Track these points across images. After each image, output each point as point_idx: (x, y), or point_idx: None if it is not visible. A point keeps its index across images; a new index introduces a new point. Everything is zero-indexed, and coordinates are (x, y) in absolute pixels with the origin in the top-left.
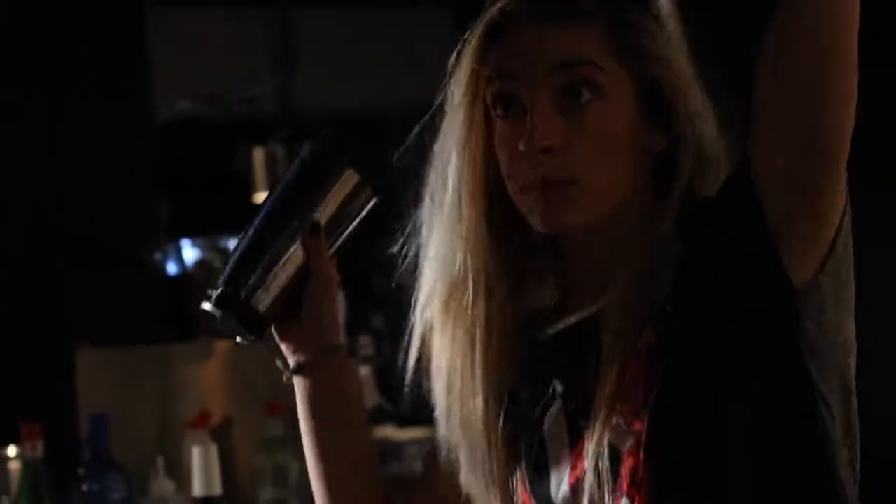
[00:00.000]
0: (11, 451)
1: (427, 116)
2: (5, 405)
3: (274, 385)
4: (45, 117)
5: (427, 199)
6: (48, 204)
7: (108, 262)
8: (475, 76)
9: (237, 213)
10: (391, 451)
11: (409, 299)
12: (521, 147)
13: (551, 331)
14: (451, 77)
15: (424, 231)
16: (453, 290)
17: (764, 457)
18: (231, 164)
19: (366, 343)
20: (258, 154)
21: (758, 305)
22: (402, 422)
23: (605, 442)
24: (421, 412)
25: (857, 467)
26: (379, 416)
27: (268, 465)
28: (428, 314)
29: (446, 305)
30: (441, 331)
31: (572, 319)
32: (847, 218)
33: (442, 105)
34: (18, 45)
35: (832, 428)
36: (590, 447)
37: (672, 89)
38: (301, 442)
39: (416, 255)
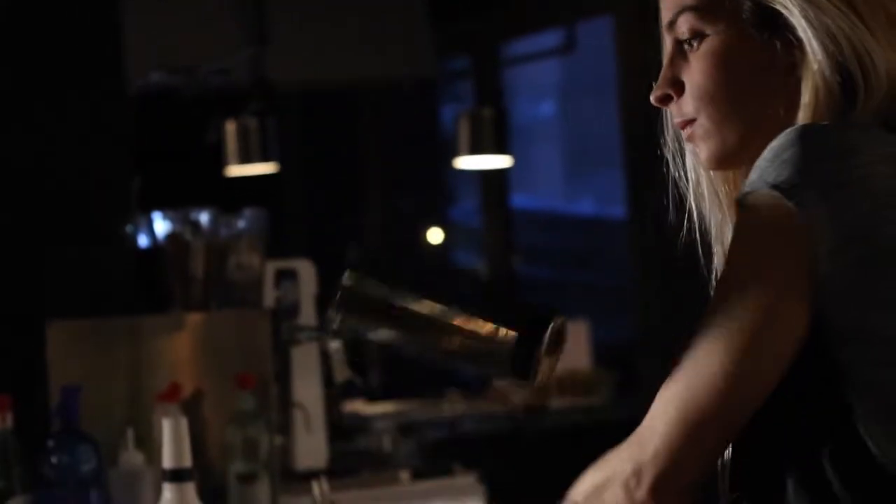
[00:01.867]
0: None
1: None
2: None
3: (245, 358)
4: (17, 90)
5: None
6: (19, 176)
7: (78, 234)
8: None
9: (209, 186)
10: (360, 425)
11: None
12: (652, 101)
13: None
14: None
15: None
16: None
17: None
18: (204, 137)
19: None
20: (230, 127)
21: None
22: (372, 396)
23: None
24: (390, 387)
25: None
26: (348, 391)
27: (238, 438)
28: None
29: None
30: None
31: None
32: None
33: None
34: None
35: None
36: None
37: (783, 4)
38: (271, 416)
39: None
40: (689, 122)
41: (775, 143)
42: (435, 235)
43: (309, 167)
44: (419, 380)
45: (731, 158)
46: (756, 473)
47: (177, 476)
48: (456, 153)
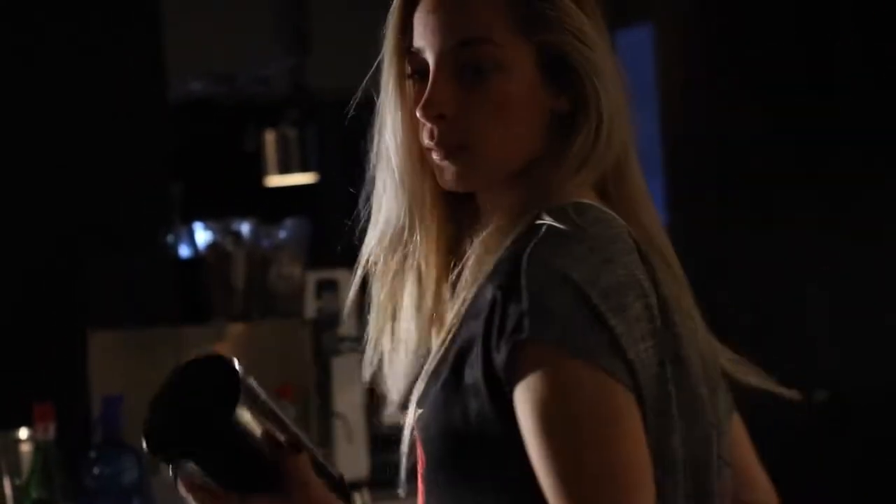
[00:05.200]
0: (23, 433)
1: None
2: (18, 387)
3: (286, 369)
4: (58, 99)
5: (375, 161)
6: (60, 186)
7: (120, 244)
8: (398, 47)
9: (249, 196)
10: (401, 436)
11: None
12: (418, 113)
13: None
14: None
15: (377, 189)
16: (395, 242)
17: None
18: (243, 146)
19: None
20: (269, 136)
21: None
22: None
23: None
24: None
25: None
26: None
27: None
28: (373, 258)
29: (387, 254)
30: (381, 274)
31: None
32: None
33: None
34: (29, 26)
35: None
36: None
37: (575, 53)
38: (312, 427)
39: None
40: (451, 147)
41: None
42: None
43: (348, 177)
44: None
45: (480, 182)
46: None
47: None
48: None
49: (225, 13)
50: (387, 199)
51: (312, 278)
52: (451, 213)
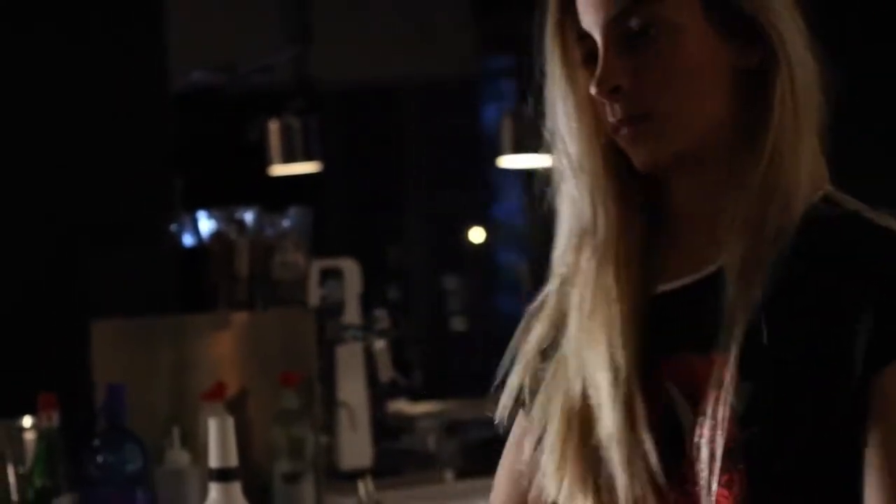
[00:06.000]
0: (27, 421)
1: None
2: (21, 376)
3: (290, 357)
4: (59, 88)
5: (556, 162)
6: (62, 176)
7: (123, 234)
8: (561, 34)
9: (253, 185)
10: (404, 424)
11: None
12: (592, 91)
13: (667, 287)
14: (542, 37)
15: (556, 182)
16: (583, 240)
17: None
18: (246, 136)
19: (381, 316)
20: (273, 126)
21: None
22: (416, 396)
23: (727, 412)
24: (434, 386)
25: None
26: (393, 390)
27: (283, 437)
28: (566, 259)
29: (577, 252)
30: (573, 274)
31: (687, 279)
32: None
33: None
34: (29, 17)
35: None
36: (712, 409)
37: (747, 2)
38: (316, 415)
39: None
40: (634, 118)
41: None
42: (477, 234)
43: (352, 166)
44: (463, 379)
45: (669, 158)
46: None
47: (223, 475)
48: (499, 152)
49: (227, 2)
50: (567, 190)
51: (316, 267)
52: (637, 201)
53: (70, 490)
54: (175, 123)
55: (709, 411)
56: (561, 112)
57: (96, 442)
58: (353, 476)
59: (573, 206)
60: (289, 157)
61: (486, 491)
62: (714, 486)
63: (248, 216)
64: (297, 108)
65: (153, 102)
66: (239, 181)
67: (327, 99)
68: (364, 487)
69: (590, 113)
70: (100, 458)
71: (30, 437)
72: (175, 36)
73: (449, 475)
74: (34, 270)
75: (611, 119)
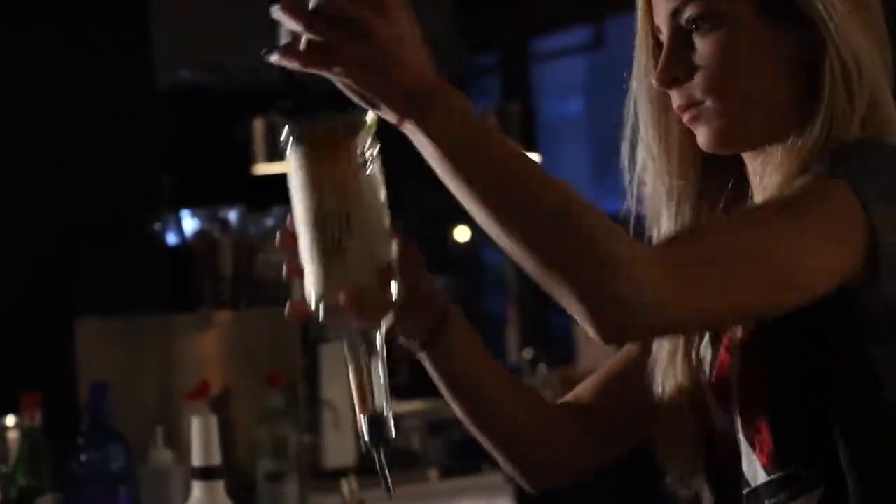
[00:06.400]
0: (10, 420)
1: None
2: (5, 374)
3: (274, 356)
4: (46, 87)
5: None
6: (49, 175)
7: (107, 233)
8: (646, 36)
9: (237, 184)
10: None
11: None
12: (654, 83)
13: None
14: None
15: (639, 169)
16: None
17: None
18: (232, 135)
19: None
20: (259, 124)
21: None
22: (401, 394)
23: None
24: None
25: None
26: None
27: (267, 436)
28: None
29: None
30: None
31: None
32: None
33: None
34: (19, 15)
35: None
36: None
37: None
38: (300, 414)
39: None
40: (694, 104)
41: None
42: (462, 233)
43: None
44: None
45: (734, 139)
46: (805, 444)
47: (206, 474)
48: None
49: (217, 2)
50: (650, 178)
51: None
52: (713, 185)
53: (53, 489)
54: (162, 123)
55: None
56: (644, 101)
57: (80, 440)
58: (337, 475)
59: (652, 189)
60: (274, 156)
61: (471, 489)
62: None
63: (232, 215)
64: (284, 107)
65: (140, 101)
66: (224, 180)
67: (313, 98)
68: (348, 486)
69: (664, 105)
70: (83, 457)
71: (13, 436)
72: (161, 35)
73: (433, 474)
74: (20, 269)
75: (675, 105)
